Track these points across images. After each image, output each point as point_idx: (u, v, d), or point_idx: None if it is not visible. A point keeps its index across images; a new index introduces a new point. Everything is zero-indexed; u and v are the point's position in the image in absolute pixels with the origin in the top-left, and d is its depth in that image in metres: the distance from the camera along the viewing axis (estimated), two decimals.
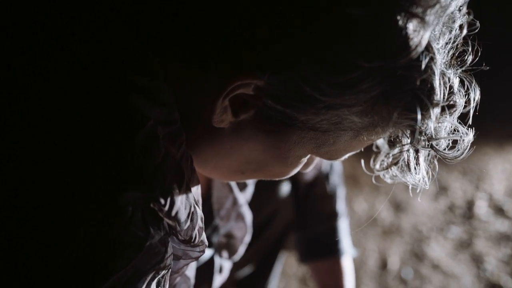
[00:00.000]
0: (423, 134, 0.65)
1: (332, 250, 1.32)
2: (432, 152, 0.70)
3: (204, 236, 0.71)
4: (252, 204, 1.05)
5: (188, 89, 0.68)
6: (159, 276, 0.66)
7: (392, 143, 0.75)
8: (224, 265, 1.06)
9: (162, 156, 0.61)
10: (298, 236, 1.37)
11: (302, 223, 1.34)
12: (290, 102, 0.64)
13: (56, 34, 0.63)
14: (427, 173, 0.72)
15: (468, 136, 0.68)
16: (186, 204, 0.65)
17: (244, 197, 1.01)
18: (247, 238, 1.02)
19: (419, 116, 0.62)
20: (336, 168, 1.33)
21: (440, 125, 0.66)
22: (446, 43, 0.65)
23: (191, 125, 0.70)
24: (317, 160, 0.81)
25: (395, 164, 0.73)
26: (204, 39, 0.64)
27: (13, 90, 0.60)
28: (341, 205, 1.34)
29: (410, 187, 0.74)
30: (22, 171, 0.58)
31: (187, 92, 0.68)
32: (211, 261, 1.03)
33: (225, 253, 1.05)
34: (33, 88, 0.60)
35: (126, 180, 0.59)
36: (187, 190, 0.66)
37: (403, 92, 0.62)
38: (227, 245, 1.04)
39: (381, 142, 0.78)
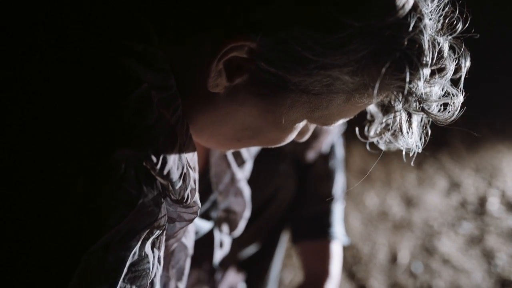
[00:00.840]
0: (413, 95, 0.66)
1: (322, 233, 1.31)
2: (425, 117, 0.71)
3: (197, 197, 0.72)
4: (252, 181, 1.06)
5: (183, 55, 0.69)
6: (154, 236, 0.68)
7: (385, 111, 0.76)
8: (224, 240, 1.08)
9: (155, 118, 0.63)
10: (292, 216, 1.37)
11: (298, 203, 1.34)
12: (283, 64, 0.65)
13: (53, 4, 0.65)
14: (420, 138, 0.73)
15: (458, 98, 0.68)
16: (179, 164, 0.67)
17: (242, 173, 1.02)
18: (247, 213, 1.04)
19: (407, 75, 0.64)
20: (337, 152, 1.34)
21: (431, 89, 0.67)
22: (436, 9, 0.66)
23: (187, 91, 0.71)
24: (312, 128, 0.82)
25: (388, 129, 0.74)
26: (197, 3, 0.65)
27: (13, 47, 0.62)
28: (337, 190, 1.34)
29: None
30: (17, 127, 0.60)
31: (182, 59, 0.70)
32: (211, 235, 1.05)
33: (225, 228, 1.07)
34: (31, 50, 0.62)
35: (118, 138, 0.60)
36: (180, 152, 0.67)
37: (392, 52, 0.63)
38: (227, 220, 1.05)
39: (375, 110, 0.79)
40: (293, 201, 1.35)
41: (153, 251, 0.69)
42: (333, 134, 1.28)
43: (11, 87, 0.61)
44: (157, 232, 0.69)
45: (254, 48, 0.65)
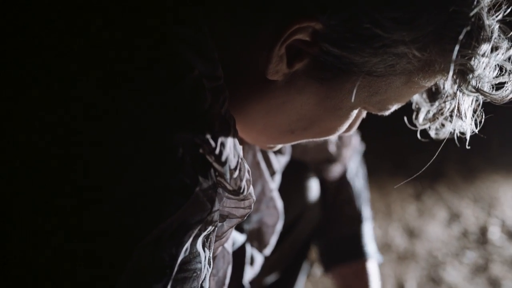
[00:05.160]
0: (473, 73, 0.65)
1: (357, 253, 1.29)
2: (476, 98, 0.70)
3: (252, 189, 0.69)
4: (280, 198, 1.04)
5: (237, 44, 0.67)
6: (205, 233, 0.64)
7: (433, 98, 0.76)
8: (256, 258, 1.04)
9: (209, 104, 0.61)
10: (321, 242, 1.34)
11: (325, 226, 1.32)
12: (348, 44, 0.64)
13: None
14: (474, 120, 0.72)
15: None
16: (235, 153, 0.64)
17: (274, 184, 0.99)
18: (279, 226, 1.01)
19: (472, 50, 0.63)
20: (361, 171, 1.33)
21: (487, 68, 0.67)
22: None
23: (240, 82, 0.69)
24: (360, 119, 0.80)
25: (442, 113, 0.74)
26: None
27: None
28: (366, 209, 1.32)
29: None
30: (80, 113, 0.57)
31: (235, 47, 0.67)
32: (242, 249, 1.01)
33: (256, 244, 1.03)
34: (88, 40, 0.60)
35: (176, 121, 0.58)
36: (235, 140, 0.65)
37: (455, 27, 0.63)
38: (259, 233, 1.02)
39: (420, 99, 0.79)
40: (321, 225, 1.32)
41: (204, 250, 0.65)
42: (355, 148, 1.27)
43: (69, 74, 0.59)
44: (209, 229, 0.65)
45: (319, 29, 0.63)
